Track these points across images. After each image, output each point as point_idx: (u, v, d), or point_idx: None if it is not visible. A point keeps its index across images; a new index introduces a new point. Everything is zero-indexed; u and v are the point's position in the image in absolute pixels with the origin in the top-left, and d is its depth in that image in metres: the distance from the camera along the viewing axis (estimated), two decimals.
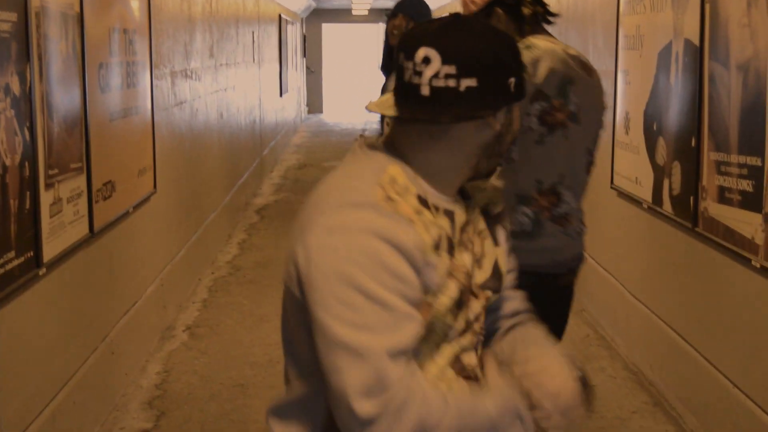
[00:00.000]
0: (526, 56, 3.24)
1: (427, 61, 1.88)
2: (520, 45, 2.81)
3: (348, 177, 1.95)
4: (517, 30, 3.49)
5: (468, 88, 1.88)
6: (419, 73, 1.89)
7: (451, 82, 1.87)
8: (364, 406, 1.76)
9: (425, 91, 1.88)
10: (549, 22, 3.57)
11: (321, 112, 27.67)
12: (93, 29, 4.93)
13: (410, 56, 1.90)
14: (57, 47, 4.37)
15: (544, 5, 3.54)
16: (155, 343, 6.43)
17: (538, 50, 3.33)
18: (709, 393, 4.76)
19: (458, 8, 3.21)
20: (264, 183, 13.90)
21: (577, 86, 3.38)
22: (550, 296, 3.31)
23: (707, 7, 4.75)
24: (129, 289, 5.83)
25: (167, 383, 5.77)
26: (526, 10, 3.49)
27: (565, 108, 3.35)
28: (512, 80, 1.93)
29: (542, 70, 3.32)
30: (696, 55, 4.89)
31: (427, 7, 6.14)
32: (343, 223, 1.83)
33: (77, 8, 4.69)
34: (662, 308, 5.54)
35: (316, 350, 1.84)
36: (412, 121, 1.94)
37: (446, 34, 1.90)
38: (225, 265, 8.86)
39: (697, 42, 4.88)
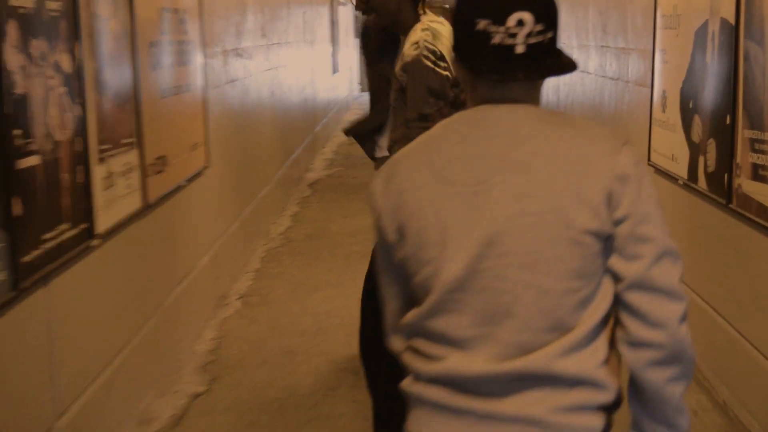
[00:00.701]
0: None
1: (521, 23, 1.97)
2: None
3: (573, 123, 2.08)
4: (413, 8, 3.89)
5: (551, 39, 2.03)
6: (513, 35, 1.97)
7: (541, 38, 2.00)
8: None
9: (520, 49, 1.98)
10: None
11: None
12: (143, 9, 4.89)
13: (501, 21, 1.97)
14: (107, 26, 4.34)
15: None
16: (209, 311, 6.43)
17: None
18: (741, 365, 4.68)
19: None
20: (316, 158, 13.90)
21: None
22: None
23: None
24: (183, 260, 5.82)
25: (220, 349, 5.77)
26: None
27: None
28: None
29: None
30: (732, 34, 4.79)
31: None
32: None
33: None
34: (696, 282, 5.45)
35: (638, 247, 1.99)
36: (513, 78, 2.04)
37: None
38: (277, 237, 8.85)
39: (732, 21, 4.78)
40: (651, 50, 6.46)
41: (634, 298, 1.96)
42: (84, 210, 3.98)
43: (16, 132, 3.30)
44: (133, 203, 4.69)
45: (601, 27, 8.37)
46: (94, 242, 4.09)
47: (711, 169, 5.12)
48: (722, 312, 4.99)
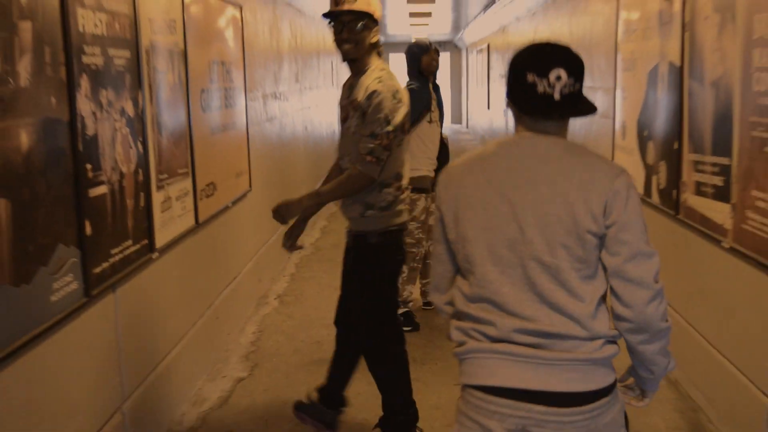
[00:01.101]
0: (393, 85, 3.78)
1: (558, 78, 2.21)
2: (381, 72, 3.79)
3: (588, 154, 2.31)
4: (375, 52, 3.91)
5: (579, 89, 2.26)
6: (552, 86, 2.22)
7: (572, 88, 2.23)
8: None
9: (557, 97, 2.22)
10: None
11: None
12: (196, 62, 4.91)
13: (544, 75, 2.22)
14: (165, 78, 4.36)
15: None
16: (252, 308, 6.43)
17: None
18: (690, 350, 4.63)
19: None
20: None
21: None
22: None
23: (686, 35, 4.63)
24: (230, 267, 5.83)
25: (260, 341, 5.76)
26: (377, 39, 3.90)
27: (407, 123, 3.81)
28: None
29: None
30: (678, 74, 4.78)
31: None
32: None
33: (182, 46, 4.67)
34: None
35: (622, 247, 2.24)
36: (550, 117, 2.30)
37: (565, 58, 2.25)
38: (309, 246, 8.84)
39: (678, 63, 4.76)
40: (613, 88, 6.45)
41: (614, 283, 2.25)
42: (145, 229, 3.99)
43: (88, 166, 3.32)
44: (187, 222, 4.70)
45: None
46: (154, 255, 4.09)
47: (662, 186, 5.09)
48: (673, 305, 4.94)
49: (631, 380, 2.50)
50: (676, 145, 4.81)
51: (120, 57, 3.70)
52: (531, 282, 2.24)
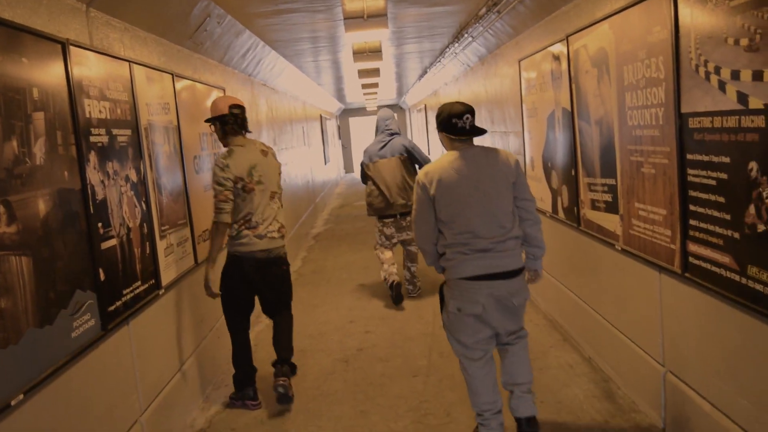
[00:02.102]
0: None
1: (467, 118, 3.48)
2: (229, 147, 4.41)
3: (494, 149, 3.55)
4: (223, 134, 4.45)
5: (473, 122, 3.49)
6: (465, 122, 3.47)
7: (472, 121, 3.48)
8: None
9: (468, 127, 3.48)
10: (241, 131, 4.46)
11: (352, 171, 27.51)
12: (187, 135, 4.81)
13: (460, 118, 3.48)
14: (162, 149, 4.25)
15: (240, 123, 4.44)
16: None
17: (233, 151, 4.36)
18: (598, 332, 4.57)
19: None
20: (318, 219, 13.75)
21: (257, 167, 4.36)
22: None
23: (573, 86, 4.61)
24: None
25: (255, 352, 5.58)
26: (228, 127, 4.43)
27: (252, 181, 4.33)
28: None
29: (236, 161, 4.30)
30: (570, 117, 4.75)
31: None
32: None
33: (175, 122, 4.57)
34: (564, 278, 5.37)
35: (522, 196, 3.51)
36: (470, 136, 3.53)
37: (468, 108, 3.50)
38: (293, 273, 8.69)
39: (569, 108, 4.74)
40: (521, 131, 6.43)
41: (520, 204, 3.51)
42: (152, 271, 3.86)
43: (99, 224, 3.21)
44: (188, 262, 4.57)
45: (490, 119, 8.35)
46: (161, 292, 3.96)
47: (565, 205, 5.04)
48: (581, 296, 4.89)
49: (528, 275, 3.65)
50: (573, 172, 4.78)
51: (123, 135, 3.60)
52: (491, 216, 3.42)
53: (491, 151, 3.48)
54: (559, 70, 4.93)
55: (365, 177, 6.86)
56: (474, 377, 3.51)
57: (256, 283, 4.44)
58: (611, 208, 4.07)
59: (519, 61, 6.21)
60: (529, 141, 6.14)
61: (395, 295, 6.59)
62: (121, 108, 3.61)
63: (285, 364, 4.49)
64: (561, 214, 5.17)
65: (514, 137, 6.93)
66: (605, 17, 3.89)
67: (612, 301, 4.31)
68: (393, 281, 6.61)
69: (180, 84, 4.74)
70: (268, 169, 4.43)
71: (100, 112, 3.35)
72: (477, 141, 4.31)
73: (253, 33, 6.56)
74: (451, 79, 11.85)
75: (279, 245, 4.47)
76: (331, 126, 21.63)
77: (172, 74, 4.56)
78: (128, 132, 3.68)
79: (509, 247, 3.40)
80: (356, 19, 6.14)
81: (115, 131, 3.50)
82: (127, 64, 3.75)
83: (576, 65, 4.52)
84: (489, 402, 3.50)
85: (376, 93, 18.86)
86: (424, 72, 13.41)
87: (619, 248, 3.99)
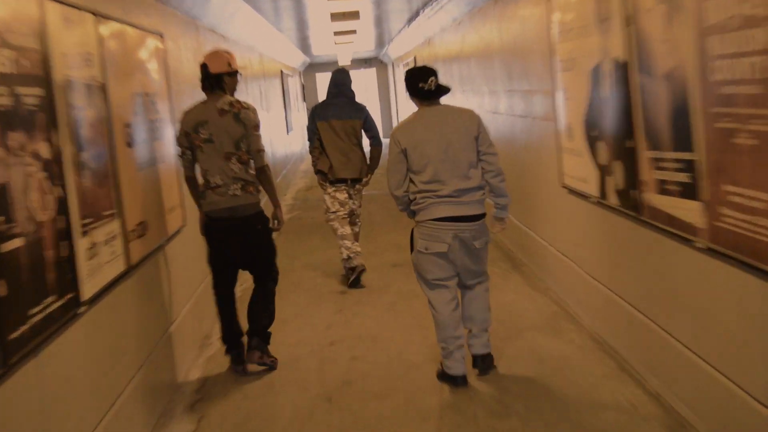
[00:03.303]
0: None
1: (431, 81, 4.81)
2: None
3: (457, 107, 4.97)
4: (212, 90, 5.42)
5: (438, 83, 4.87)
6: (431, 84, 4.81)
7: (437, 82, 4.85)
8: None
9: (433, 88, 4.82)
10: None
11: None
12: (117, 96, 4.52)
13: (425, 81, 4.82)
14: (83, 114, 3.96)
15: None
16: (195, 351, 6.00)
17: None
18: (668, 359, 4.35)
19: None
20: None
21: (207, 125, 5.28)
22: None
23: (630, 28, 4.40)
24: (167, 310, 5.40)
25: (206, 387, 5.30)
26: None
27: (198, 138, 5.29)
28: None
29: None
30: (624, 70, 4.54)
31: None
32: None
33: (101, 79, 4.28)
34: (617, 285, 5.16)
35: (485, 149, 4.82)
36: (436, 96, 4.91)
37: (433, 71, 4.87)
38: (250, 277, 8.39)
39: (624, 58, 4.53)
40: (551, 90, 6.20)
41: (484, 158, 4.79)
42: (69, 281, 3.58)
43: None
44: (117, 267, 4.29)
45: (507, 74, 8.12)
46: (81, 309, 3.69)
47: (620, 187, 4.83)
48: (643, 310, 4.69)
49: (494, 225, 4.99)
50: (629, 144, 4.56)
51: (30, 95, 3.35)
52: (456, 167, 4.75)
53: (455, 110, 4.91)
54: (609, 8, 4.74)
55: (313, 135, 7.78)
56: (440, 312, 4.94)
57: (228, 243, 5.38)
58: (688, 192, 3.87)
59: None
60: (563, 102, 5.92)
61: (353, 280, 7.58)
62: (29, 58, 3.35)
63: (255, 337, 5.46)
64: (612, 199, 4.95)
65: (541, 98, 6.70)
66: None
67: (689, 318, 4.10)
68: (358, 266, 7.55)
69: (106, 27, 4.48)
70: (221, 128, 5.24)
71: (1, 64, 3.07)
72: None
73: None
74: (451, 23, 11.60)
75: (245, 202, 5.33)
76: (294, 84, 21.34)
77: (95, 14, 4.29)
78: (38, 91, 3.43)
79: (473, 195, 4.79)
80: None
81: (20, 90, 3.25)
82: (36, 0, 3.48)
83: (634, 1, 4.31)
84: (452, 336, 4.91)
85: (352, 42, 18.60)
86: (416, 14, 13.15)
87: (701, 246, 3.79)
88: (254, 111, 5.37)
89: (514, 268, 7.78)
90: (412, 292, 7.12)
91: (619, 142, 4.76)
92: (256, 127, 5.34)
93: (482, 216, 4.83)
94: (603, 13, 4.85)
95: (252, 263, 5.53)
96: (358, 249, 7.65)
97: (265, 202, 5.63)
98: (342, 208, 7.69)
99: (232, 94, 5.42)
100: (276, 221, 5.59)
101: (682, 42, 3.78)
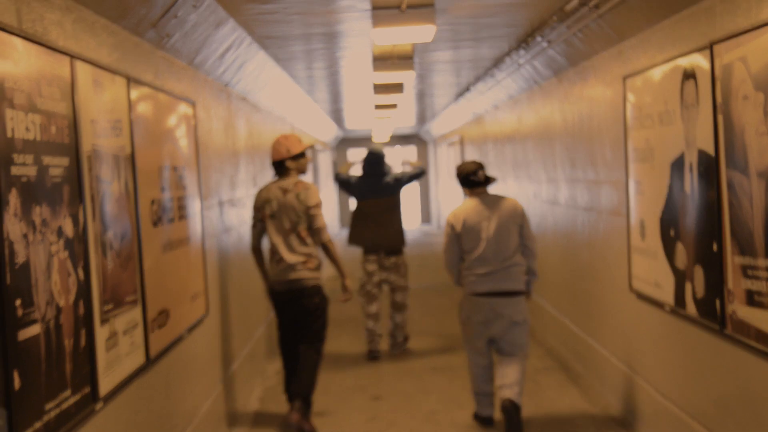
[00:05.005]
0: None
1: (478, 174, 6.51)
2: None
3: (503, 197, 6.59)
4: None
5: (485, 174, 6.57)
6: (477, 176, 6.49)
7: (484, 174, 6.55)
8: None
9: (481, 179, 6.53)
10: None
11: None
12: (144, 167, 4.59)
13: (474, 174, 6.49)
14: (109, 189, 4.02)
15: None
16: None
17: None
18: None
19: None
20: None
21: (271, 203, 6.53)
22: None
23: (720, 118, 4.40)
24: (186, 407, 5.38)
25: None
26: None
27: (265, 215, 6.59)
28: None
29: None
30: (712, 164, 4.53)
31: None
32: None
33: (129, 149, 4.35)
34: (692, 407, 5.06)
35: (527, 237, 6.47)
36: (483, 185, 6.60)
37: (479, 165, 6.54)
38: (273, 375, 8.39)
39: (712, 151, 4.52)
40: (624, 181, 6.21)
41: (526, 243, 6.42)
42: (87, 374, 3.61)
43: (17, 302, 2.97)
44: (137, 360, 4.30)
45: (569, 160, 8.15)
46: (98, 406, 3.70)
47: (700, 295, 4.79)
48: None
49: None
50: (715, 247, 4.54)
51: (57, 166, 3.42)
52: (499, 249, 6.30)
53: (501, 199, 6.46)
54: (695, 95, 4.77)
55: (346, 188, 9.52)
56: (476, 365, 6.47)
57: (287, 310, 6.52)
58: None
59: (624, 79, 6.04)
60: (636, 195, 5.92)
61: (370, 357, 9.03)
62: (56, 125, 3.41)
63: (297, 399, 6.22)
64: (690, 309, 4.90)
65: (609, 189, 6.71)
66: None
67: None
68: (374, 350, 9.03)
69: (137, 92, 4.56)
70: (284, 207, 6.48)
71: (27, 129, 3.16)
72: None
73: (239, 23, 6.41)
74: (506, 101, 11.72)
75: (303, 276, 6.44)
76: (326, 161, 21.55)
77: (127, 78, 4.37)
78: (65, 161, 3.49)
79: (510, 272, 6.30)
80: (390, 10, 6.00)
81: (46, 160, 3.31)
82: (67, 59, 3.60)
83: (727, 87, 4.36)
84: (485, 387, 6.46)
85: (390, 117, 18.81)
86: (465, 89, 13.30)
87: None
88: (315, 190, 6.51)
89: (569, 380, 7.69)
90: (455, 400, 7.06)
91: (702, 245, 4.74)
92: (317, 206, 6.49)
93: (520, 293, 6.33)
94: (689, 98, 4.87)
95: (301, 332, 6.48)
96: (378, 330, 9.10)
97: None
98: (368, 279, 9.12)
99: (300, 173, 6.68)
100: (345, 291, 6.78)
101: None
